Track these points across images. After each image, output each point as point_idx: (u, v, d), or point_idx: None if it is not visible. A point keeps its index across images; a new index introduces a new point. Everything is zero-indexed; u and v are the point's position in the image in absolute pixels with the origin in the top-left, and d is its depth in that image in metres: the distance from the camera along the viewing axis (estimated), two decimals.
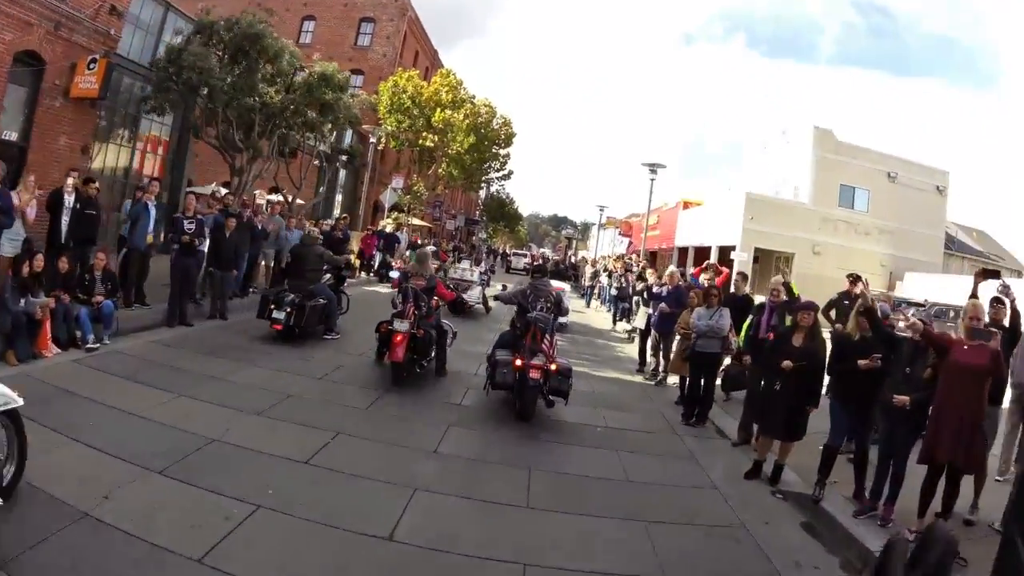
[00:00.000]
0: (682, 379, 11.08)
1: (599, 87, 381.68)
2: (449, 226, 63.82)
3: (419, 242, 33.87)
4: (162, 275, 12.22)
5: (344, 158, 26.57)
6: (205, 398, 7.76)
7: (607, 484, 7.04)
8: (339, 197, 39.17)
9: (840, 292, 13.86)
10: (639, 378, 13.23)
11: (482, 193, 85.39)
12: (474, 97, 40.12)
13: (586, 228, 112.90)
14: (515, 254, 64.60)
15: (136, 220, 12.23)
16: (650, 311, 13.41)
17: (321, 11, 45.71)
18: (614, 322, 21.12)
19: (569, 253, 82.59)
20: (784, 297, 9.22)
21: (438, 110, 36.29)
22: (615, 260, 29.47)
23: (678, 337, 11.58)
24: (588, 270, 32.22)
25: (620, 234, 69.24)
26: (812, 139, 34.24)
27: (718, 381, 10.65)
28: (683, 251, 40.10)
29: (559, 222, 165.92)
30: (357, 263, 24.66)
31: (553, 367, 8.73)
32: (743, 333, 9.72)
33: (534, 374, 8.54)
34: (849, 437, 7.49)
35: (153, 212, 12.37)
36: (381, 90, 37.14)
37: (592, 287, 29.97)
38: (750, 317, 9.68)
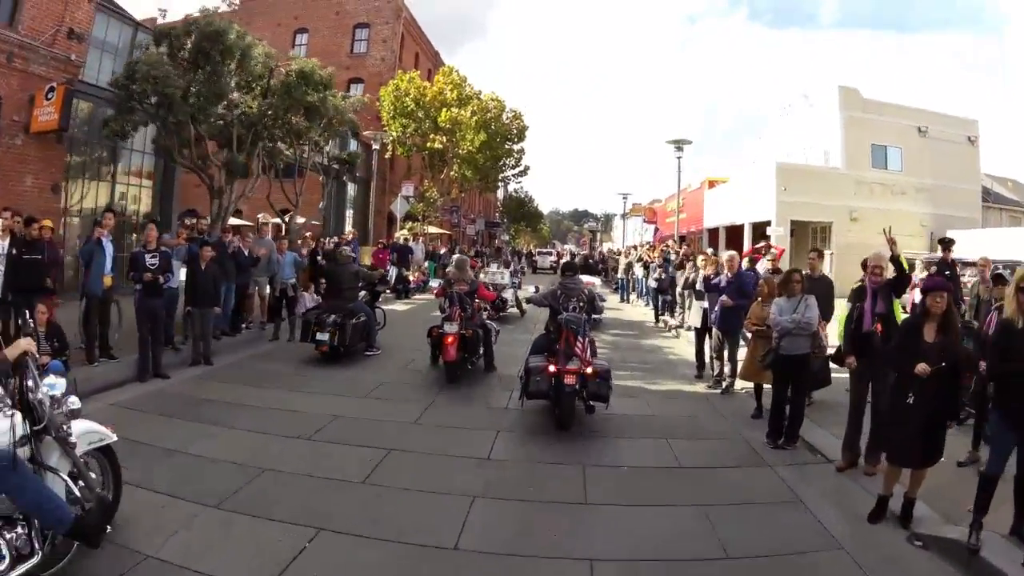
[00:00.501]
0: (757, 387, 9.17)
1: (606, 77, 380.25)
2: (469, 231, 62.22)
3: (436, 251, 32.25)
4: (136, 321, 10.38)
5: (344, 167, 24.51)
6: (154, 485, 5.84)
7: (701, 571, 4.99)
8: (350, 212, 37.47)
9: (935, 264, 11.94)
10: (700, 387, 11.08)
11: (500, 194, 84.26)
12: (480, 93, 37.99)
13: (608, 219, 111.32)
14: (540, 253, 62.75)
15: (90, 261, 10.42)
16: (705, 305, 11.35)
17: (313, 22, 44.18)
18: (656, 318, 19.10)
19: (595, 246, 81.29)
20: (889, 275, 7.10)
21: (444, 110, 34.20)
22: (649, 249, 27.20)
23: (747, 335, 9.59)
24: (622, 261, 29.93)
25: (645, 221, 67.27)
26: (838, 99, 32.41)
27: None
28: (713, 232, 38.48)
29: (580, 216, 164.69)
30: None
31: (590, 371, 8.11)
32: (840, 327, 7.61)
33: (569, 380, 7.98)
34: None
35: (110, 249, 10.51)
36: (382, 95, 35.28)
37: (626, 280, 27.79)
38: (847, 305, 7.54)
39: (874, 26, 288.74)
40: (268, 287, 14.55)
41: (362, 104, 20.21)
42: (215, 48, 13.83)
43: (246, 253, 13.57)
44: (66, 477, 4.35)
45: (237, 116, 15.63)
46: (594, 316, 11.07)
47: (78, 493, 4.43)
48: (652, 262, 21.59)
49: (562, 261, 24.47)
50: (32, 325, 4.86)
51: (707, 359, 11.47)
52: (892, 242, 6.87)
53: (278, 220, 20.25)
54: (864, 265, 9.68)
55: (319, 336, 11.55)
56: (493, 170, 41.39)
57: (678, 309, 17.04)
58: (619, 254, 36.09)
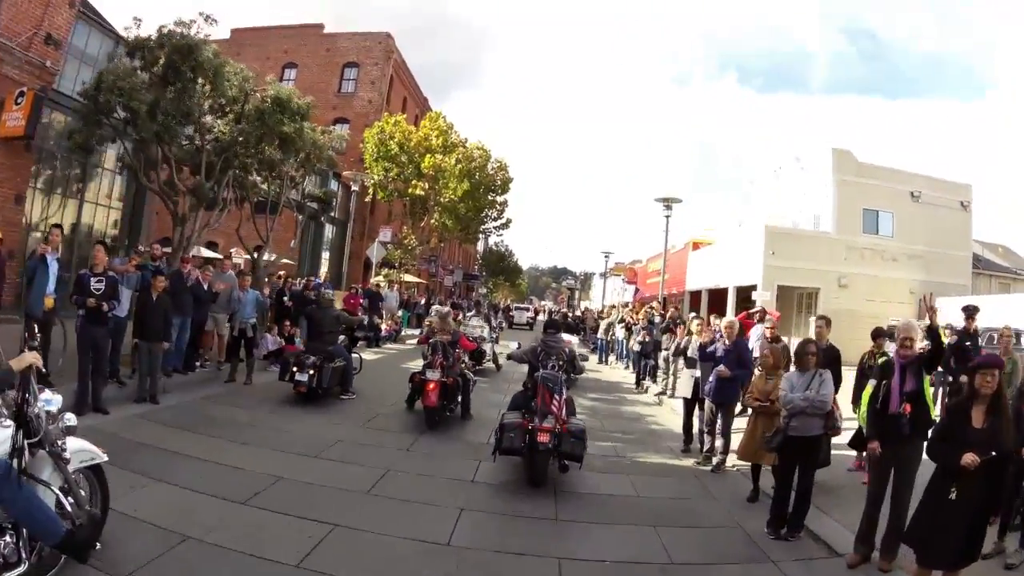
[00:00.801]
0: (754, 468, 8.26)
1: (593, 134, 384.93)
2: (447, 282, 61.42)
3: (412, 301, 31.45)
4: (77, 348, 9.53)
5: (320, 206, 23.65)
6: None
7: None
8: (326, 253, 36.63)
9: (957, 331, 11.54)
10: (688, 462, 10.07)
11: (480, 246, 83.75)
12: (466, 140, 37.51)
13: (587, 278, 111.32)
14: (517, 308, 61.57)
15: (32, 279, 9.56)
16: (697, 374, 10.38)
17: (303, 57, 43.88)
18: (638, 383, 18.16)
19: (573, 304, 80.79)
20: (920, 348, 6.25)
21: (428, 155, 33.55)
22: (631, 310, 26.28)
23: (741, 408, 8.77)
24: (603, 321, 28.74)
25: (625, 281, 66.70)
26: (832, 162, 32.19)
27: None
28: (695, 295, 38.07)
29: (559, 273, 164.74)
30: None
31: (564, 429, 8.04)
32: (863, 407, 6.75)
33: (542, 437, 7.86)
34: None
35: (54, 268, 9.65)
36: (366, 137, 34.69)
37: (605, 341, 26.71)
38: (870, 383, 6.67)
39: (861, 91, 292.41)
40: (227, 325, 13.59)
41: (342, 140, 19.40)
42: (186, 63, 12.97)
43: (205, 287, 12.67)
44: (58, 491, 4.42)
45: (209, 141, 14.81)
46: (573, 375, 10.82)
47: (69, 508, 4.47)
48: (635, 324, 20.80)
49: (539, 318, 23.98)
50: (38, 340, 4.78)
51: (695, 431, 10.58)
52: (932, 311, 6.05)
53: (247, 256, 19.38)
54: (876, 335, 8.89)
55: (298, 376, 11.55)
56: (474, 221, 40.54)
57: (661, 375, 16.17)
58: (599, 313, 35.22)
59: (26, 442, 4.18)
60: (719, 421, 9.62)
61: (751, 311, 14.27)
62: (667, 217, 23.07)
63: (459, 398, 11.59)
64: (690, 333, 11.87)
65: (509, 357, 11.11)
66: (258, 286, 15.23)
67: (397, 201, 37.06)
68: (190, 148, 14.82)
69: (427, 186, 33.64)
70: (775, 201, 37.62)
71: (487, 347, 18.97)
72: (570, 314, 48.78)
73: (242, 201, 17.88)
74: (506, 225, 44.98)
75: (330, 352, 12.12)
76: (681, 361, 11.91)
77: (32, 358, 4.21)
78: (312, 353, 11.90)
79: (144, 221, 20.79)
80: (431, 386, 10.46)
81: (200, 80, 13.61)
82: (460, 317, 22.11)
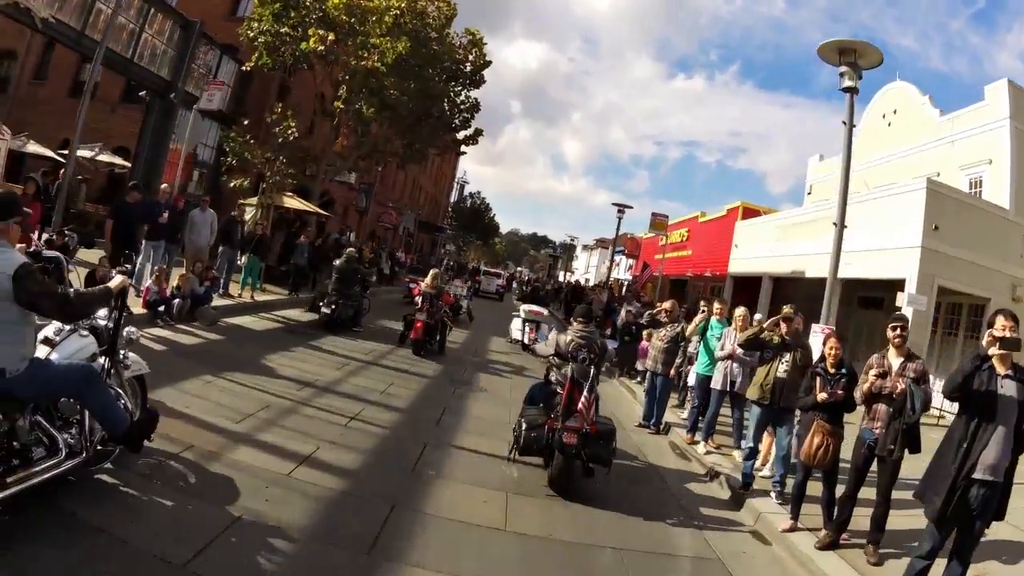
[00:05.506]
0: None
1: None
2: (400, 229, 48.29)
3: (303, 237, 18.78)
4: None
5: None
6: None
7: None
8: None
9: None
10: None
11: (452, 196, 72.21)
12: None
13: (569, 249, 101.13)
14: (486, 273, 47.80)
15: None
16: None
17: None
18: None
19: (554, 274, 71.31)
20: None
21: None
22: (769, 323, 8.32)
23: None
24: (665, 329, 10.83)
25: (623, 254, 52.72)
26: (1008, 101, 19.32)
27: None
28: (744, 282, 25.27)
29: (539, 241, 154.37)
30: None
31: (593, 430, 6.93)
32: None
33: (569, 439, 6.79)
34: None
35: None
36: None
37: (660, 374, 10.44)
38: None
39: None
40: None
41: None
42: None
43: None
44: (119, 390, 4.92)
45: None
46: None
47: (129, 406, 5.00)
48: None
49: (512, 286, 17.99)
50: (132, 265, 5.62)
51: None
52: None
53: None
54: None
55: (324, 308, 14.98)
56: (423, 124, 24.42)
57: None
58: (601, 288, 21.05)
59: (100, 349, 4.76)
60: None
61: None
62: (850, 91, 9.68)
63: (438, 337, 14.51)
64: None
65: (533, 351, 11.01)
66: None
67: (301, 75, 23.14)
68: None
69: (332, 38, 18.81)
70: (876, 161, 24.66)
71: (464, 303, 22.70)
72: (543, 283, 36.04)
73: None
74: (473, 139, 27.27)
75: (348, 295, 15.31)
76: None
77: (123, 280, 4.62)
78: (336, 294, 15.14)
79: None
80: (419, 325, 13.71)
81: None
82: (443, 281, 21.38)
